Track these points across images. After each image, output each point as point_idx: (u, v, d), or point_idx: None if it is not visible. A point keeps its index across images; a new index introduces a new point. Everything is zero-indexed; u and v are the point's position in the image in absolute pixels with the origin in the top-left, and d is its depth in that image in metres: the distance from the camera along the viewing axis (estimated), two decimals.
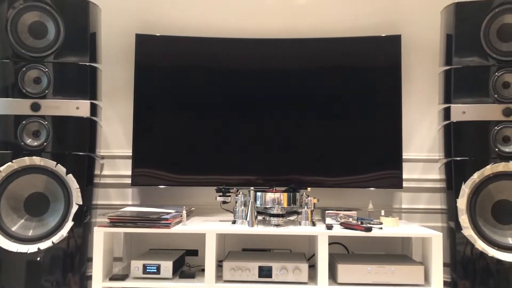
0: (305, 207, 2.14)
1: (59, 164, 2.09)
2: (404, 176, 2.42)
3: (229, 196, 2.21)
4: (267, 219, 2.14)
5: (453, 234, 2.06)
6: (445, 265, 2.15)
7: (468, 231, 2.01)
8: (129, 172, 2.41)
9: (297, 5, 2.55)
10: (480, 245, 1.99)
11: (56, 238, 2.06)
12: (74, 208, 2.09)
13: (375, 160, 2.34)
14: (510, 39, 2.05)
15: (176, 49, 2.41)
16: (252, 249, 2.39)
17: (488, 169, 2.02)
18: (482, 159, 2.04)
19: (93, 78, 2.21)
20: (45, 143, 2.12)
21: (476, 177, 2.02)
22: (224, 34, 2.51)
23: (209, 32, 2.53)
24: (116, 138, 2.53)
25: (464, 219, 2.01)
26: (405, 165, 2.43)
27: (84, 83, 2.16)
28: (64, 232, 2.07)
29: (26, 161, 2.09)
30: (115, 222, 2.02)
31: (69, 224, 2.08)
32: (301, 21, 2.54)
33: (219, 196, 2.21)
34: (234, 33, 2.52)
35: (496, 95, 2.05)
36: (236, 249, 2.41)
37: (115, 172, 2.51)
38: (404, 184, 2.40)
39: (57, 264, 2.08)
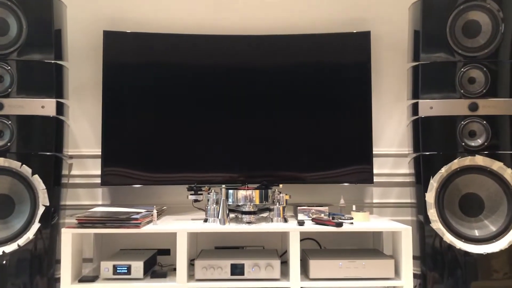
0: (277, 203, 2.14)
1: (24, 165, 2.04)
2: (375, 171, 2.45)
3: (201, 194, 2.19)
4: (240, 216, 2.13)
5: (422, 227, 2.10)
6: (415, 258, 2.19)
7: (436, 225, 2.04)
8: (99, 172, 2.36)
9: (268, 2, 2.54)
10: (448, 237, 2.03)
11: (22, 241, 2.01)
12: (41, 210, 2.04)
13: (346, 155, 2.35)
14: (474, 35, 2.09)
15: (145, 46, 2.37)
16: (225, 247, 2.38)
17: (455, 163, 2.06)
18: (450, 153, 2.08)
19: (59, 76, 2.16)
20: (9, 143, 2.05)
21: (443, 171, 2.06)
22: (194, 31, 2.48)
23: (178, 29, 2.50)
24: (85, 137, 2.48)
25: (432, 213, 2.05)
26: (375, 160, 2.46)
27: (49, 81, 2.11)
28: (30, 234, 2.02)
29: None
30: (84, 223, 1.98)
31: (36, 226, 2.03)
32: (272, 18, 2.53)
33: (191, 194, 2.19)
34: (204, 30, 2.50)
35: (462, 91, 2.09)
36: (208, 248, 2.40)
37: (84, 172, 2.46)
38: (375, 179, 2.43)
39: (24, 267, 2.02)
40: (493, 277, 2.02)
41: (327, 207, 2.23)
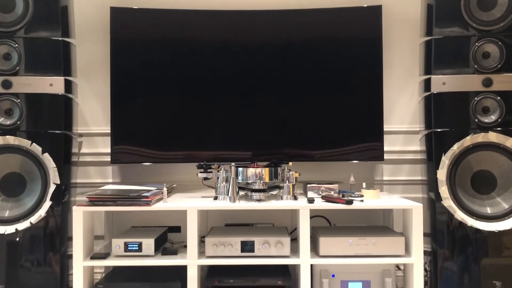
0: (287, 181, 2.13)
1: (34, 143, 2.04)
2: (386, 148, 2.42)
3: (211, 172, 2.19)
4: (249, 194, 2.13)
5: (433, 204, 2.09)
6: (425, 235, 2.18)
7: (447, 202, 2.03)
8: (109, 150, 2.36)
9: None
10: (460, 215, 2.02)
11: (34, 219, 2.03)
12: (52, 188, 2.05)
13: (356, 133, 2.33)
14: (490, 8, 2.03)
15: (153, 23, 2.34)
16: (235, 224, 2.39)
17: (468, 140, 2.03)
18: (462, 130, 2.05)
19: (67, 53, 2.14)
20: (18, 122, 2.06)
21: (456, 148, 2.03)
22: (203, 6, 2.44)
23: (187, 4, 2.46)
24: (94, 116, 2.48)
25: (444, 190, 2.03)
26: (386, 137, 2.43)
27: (57, 59, 2.09)
28: (42, 212, 2.04)
29: (0, 140, 2.03)
30: (95, 200, 1.99)
31: (47, 204, 2.05)
32: None
33: (201, 172, 2.19)
34: (213, 5, 2.46)
35: (476, 66, 2.04)
36: (219, 225, 2.41)
37: (94, 150, 2.47)
38: (386, 156, 2.40)
39: (37, 244, 2.05)
40: (503, 254, 2.01)
41: (337, 185, 2.21)
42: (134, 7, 2.35)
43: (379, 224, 2.42)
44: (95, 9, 2.44)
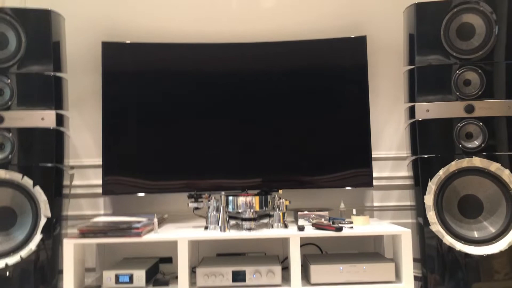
0: (277, 209, 2.15)
1: (25, 177, 2.06)
2: (375, 174, 2.46)
3: (201, 202, 2.20)
4: (240, 223, 2.14)
5: (422, 229, 2.11)
6: (415, 260, 2.19)
7: (435, 227, 2.05)
8: (100, 181, 2.38)
9: (264, 9, 2.56)
10: (448, 239, 2.04)
11: (24, 252, 2.03)
12: (43, 221, 2.06)
13: (345, 160, 2.37)
14: (469, 38, 2.10)
15: (142, 56, 2.39)
16: (227, 254, 2.40)
17: (453, 165, 2.07)
18: (447, 155, 2.09)
19: (58, 87, 2.18)
20: (10, 156, 2.08)
21: (441, 173, 2.07)
22: (191, 40, 2.51)
23: (175, 38, 2.52)
24: (85, 148, 2.51)
25: (431, 215, 2.06)
26: (375, 164, 2.47)
27: (48, 93, 2.13)
28: (32, 245, 2.04)
29: None
30: (85, 233, 2.00)
31: (38, 237, 2.05)
32: (268, 25, 2.55)
33: (191, 202, 2.21)
34: (201, 38, 2.52)
35: (458, 93, 2.10)
36: (210, 255, 2.41)
37: (86, 182, 2.48)
38: (375, 182, 2.44)
39: (27, 278, 2.04)
40: (494, 278, 2.02)
41: (327, 212, 2.24)
42: (125, 42, 2.41)
43: (370, 250, 2.43)
44: (87, 43, 2.50)
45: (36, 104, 2.11)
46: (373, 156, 2.44)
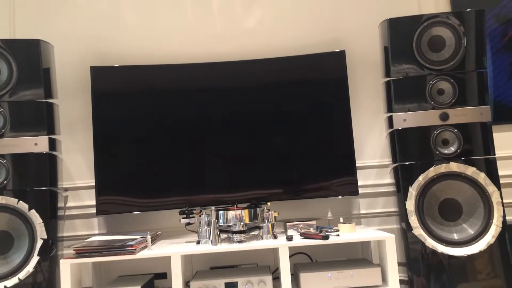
0: (266, 221, 2.22)
1: (21, 201, 2.13)
2: (360, 182, 2.55)
3: (193, 217, 2.28)
4: (231, 236, 2.22)
5: (405, 234, 2.19)
6: (401, 264, 2.28)
7: (418, 231, 2.14)
8: (94, 202, 2.45)
9: (246, 29, 2.67)
10: (430, 242, 2.12)
11: (22, 275, 2.08)
12: (39, 243, 2.12)
13: (331, 170, 2.45)
14: (439, 49, 2.21)
15: (131, 78, 2.48)
16: (220, 267, 2.46)
17: (432, 171, 2.16)
18: (426, 162, 2.18)
19: (50, 113, 2.26)
20: (5, 181, 2.15)
21: (421, 179, 2.16)
22: (178, 61, 2.60)
23: (162, 60, 2.62)
24: (78, 170, 2.58)
25: (413, 220, 2.14)
26: (360, 172, 2.56)
27: (40, 119, 2.21)
28: (30, 267, 2.10)
29: None
30: (81, 253, 2.06)
31: (35, 259, 2.11)
32: (251, 44, 2.65)
33: (183, 218, 2.28)
34: (187, 59, 2.62)
35: (432, 102, 2.20)
36: (204, 268, 2.47)
37: (79, 203, 2.55)
38: (360, 191, 2.52)
39: None
40: (477, 278, 2.10)
41: (315, 221, 2.32)
42: (114, 65, 2.49)
43: (359, 256, 2.50)
44: (76, 68, 2.59)
45: (29, 130, 2.19)
46: (357, 165, 2.53)
